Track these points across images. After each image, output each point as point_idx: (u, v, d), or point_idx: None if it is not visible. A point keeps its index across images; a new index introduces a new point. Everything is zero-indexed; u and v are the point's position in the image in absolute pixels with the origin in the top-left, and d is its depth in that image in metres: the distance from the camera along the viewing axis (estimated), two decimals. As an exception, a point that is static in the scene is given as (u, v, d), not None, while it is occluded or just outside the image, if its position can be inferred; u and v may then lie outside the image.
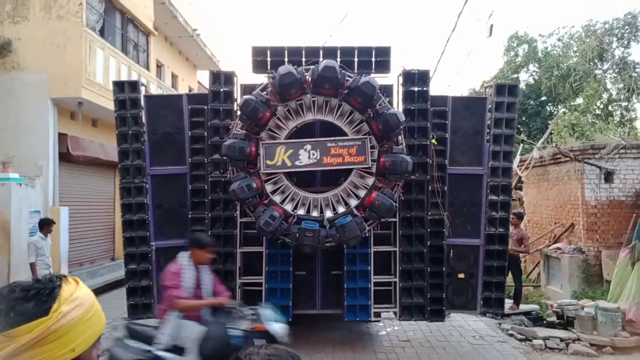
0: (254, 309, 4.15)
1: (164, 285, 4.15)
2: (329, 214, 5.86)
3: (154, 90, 12.84)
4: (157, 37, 14.50)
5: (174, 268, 4.15)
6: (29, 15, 10.15)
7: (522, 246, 8.76)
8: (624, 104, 22.25)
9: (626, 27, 21.62)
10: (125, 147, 6.40)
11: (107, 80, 10.51)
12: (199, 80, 19.79)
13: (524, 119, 22.61)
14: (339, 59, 6.21)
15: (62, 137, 10.40)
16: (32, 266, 7.81)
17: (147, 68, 13.49)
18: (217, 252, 6.30)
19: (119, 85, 6.55)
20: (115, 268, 12.12)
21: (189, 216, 6.35)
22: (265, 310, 4.11)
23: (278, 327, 3.92)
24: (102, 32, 11.24)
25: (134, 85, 6.55)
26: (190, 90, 17.94)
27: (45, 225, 8.12)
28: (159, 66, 15.61)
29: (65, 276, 1.12)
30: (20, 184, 9.22)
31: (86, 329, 1.07)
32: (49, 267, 8.05)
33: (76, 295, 1.09)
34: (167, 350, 3.75)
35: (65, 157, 10.54)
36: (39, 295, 1.04)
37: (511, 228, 7.49)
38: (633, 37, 21.14)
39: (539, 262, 10.98)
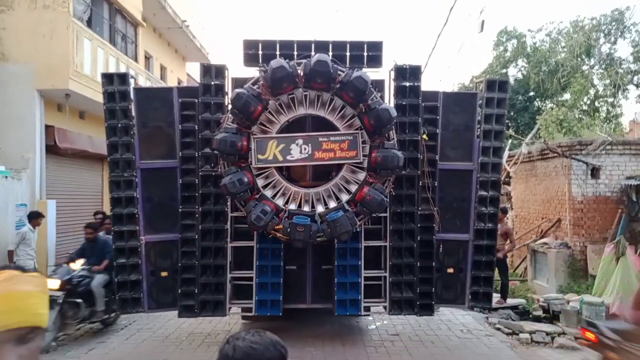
0: None
1: None
2: (320, 208, 5.86)
3: (143, 82, 12.68)
4: (146, 28, 14.31)
5: None
6: (13, 5, 9.92)
7: (507, 240, 8.82)
8: (610, 99, 22.50)
9: (613, 24, 21.82)
10: (115, 140, 6.33)
11: (94, 72, 10.36)
12: (188, 72, 19.60)
13: (512, 114, 22.78)
14: (330, 53, 6.17)
15: (49, 129, 10.23)
16: (10, 254, 7.77)
17: (136, 59, 13.31)
18: (207, 246, 6.33)
19: (108, 78, 6.47)
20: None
21: (180, 210, 6.31)
22: None
23: None
24: (89, 23, 11.06)
25: (123, 78, 6.47)
26: (179, 82, 17.77)
27: (34, 218, 8.09)
28: (148, 58, 15.43)
29: (4, 268, 1.16)
30: (7, 177, 9.09)
31: None
32: (33, 258, 8.04)
33: None
34: None
35: (52, 150, 10.39)
36: None
37: (498, 223, 7.55)
38: (620, 34, 21.35)
39: (525, 257, 11.13)
